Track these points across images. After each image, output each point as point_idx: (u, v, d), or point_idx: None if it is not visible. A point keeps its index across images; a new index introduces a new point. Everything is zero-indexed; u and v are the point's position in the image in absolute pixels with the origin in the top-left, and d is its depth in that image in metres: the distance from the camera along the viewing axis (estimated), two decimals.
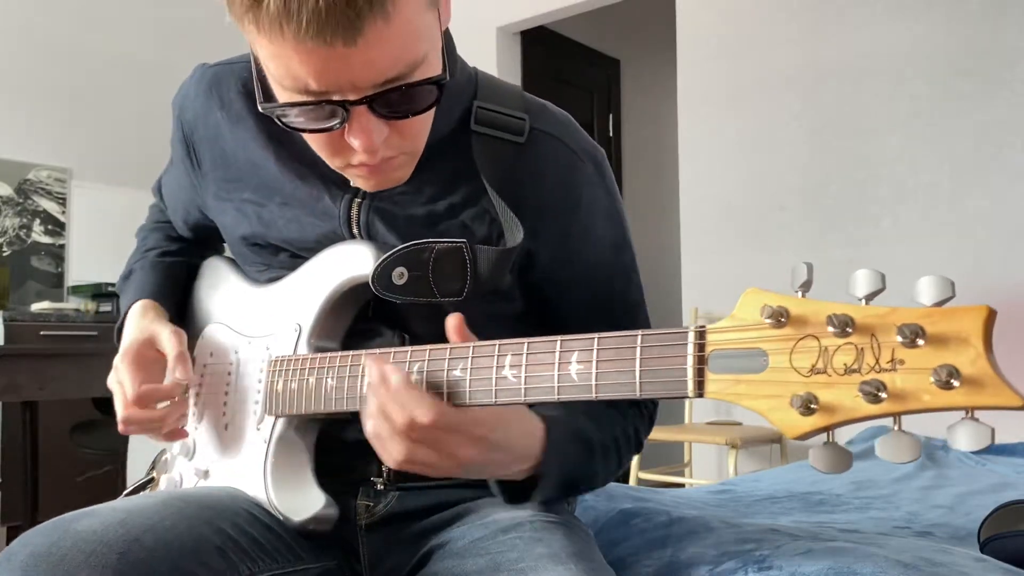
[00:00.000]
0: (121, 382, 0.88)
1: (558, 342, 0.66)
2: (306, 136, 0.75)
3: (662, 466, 3.58)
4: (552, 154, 0.87)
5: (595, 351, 0.64)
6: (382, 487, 0.87)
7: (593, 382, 0.63)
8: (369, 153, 0.73)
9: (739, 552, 0.88)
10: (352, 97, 0.68)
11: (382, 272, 0.79)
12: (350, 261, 0.84)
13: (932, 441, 2.20)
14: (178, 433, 0.90)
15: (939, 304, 0.49)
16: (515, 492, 0.80)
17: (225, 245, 1.11)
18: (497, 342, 0.69)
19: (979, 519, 1.12)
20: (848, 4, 3.13)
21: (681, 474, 3.42)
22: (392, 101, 0.70)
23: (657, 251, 4.40)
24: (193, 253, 1.08)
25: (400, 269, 0.79)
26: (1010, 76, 2.81)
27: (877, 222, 3.02)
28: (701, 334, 0.58)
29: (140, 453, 1.08)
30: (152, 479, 0.99)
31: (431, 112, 0.76)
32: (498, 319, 0.73)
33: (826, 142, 3.16)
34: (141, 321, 0.94)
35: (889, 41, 3.03)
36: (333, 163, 0.77)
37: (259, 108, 0.73)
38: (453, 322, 0.71)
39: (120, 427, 0.87)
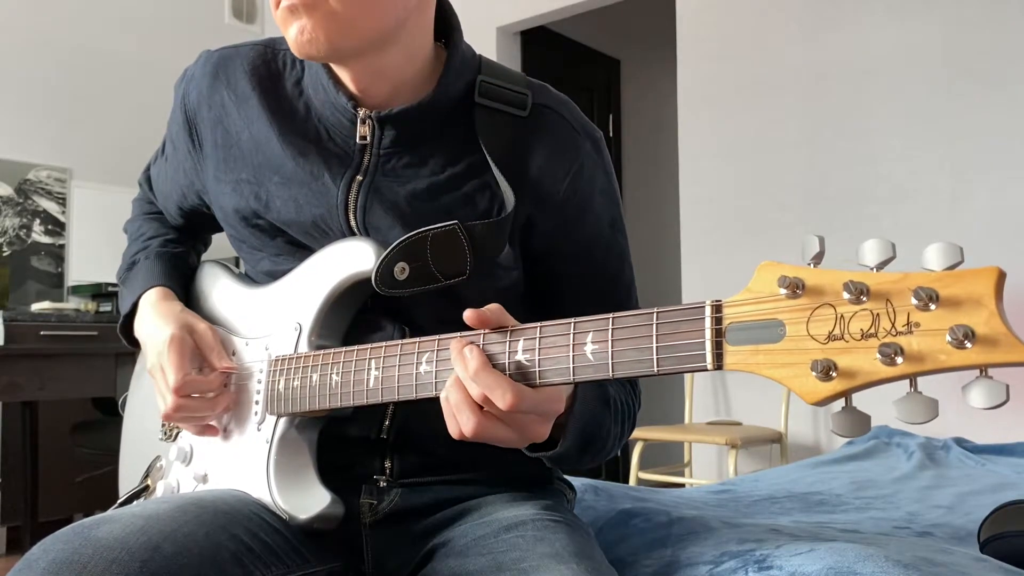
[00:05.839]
0: (163, 368, 0.88)
1: (572, 324, 0.66)
2: None
3: (662, 466, 3.58)
4: (553, 127, 0.89)
5: (610, 331, 0.64)
6: (385, 484, 0.87)
7: (610, 361, 0.64)
8: None
9: (739, 552, 0.88)
10: None
11: (383, 271, 0.80)
12: (351, 258, 0.84)
13: (932, 441, 2.20)
14: (211, 428, 0.90)
15: (949, 269, 0.51)
16: (536, 444, 0.77)
17: (219, 237, 1.11)
18: (509, 327, 0.70)
19: (979, 519, 1.12)
20: (848, 4, 3.13)
21: (681, 474, 3.42)
22: None
23: (657, 251, 4.39)
24: (189, 244, 1.08)
25: (401, 264, 0.80)
26: (1010, 76, 2.81)
27: (877, 222, 3.02)
28: (718, 308, 0.59)
29: (128, 458, 1.07)
30: (147, 487, 0.98)
31: None
32: (505, 302, 0.74)
33: (826, 142, 3.16)
34: (167, 306, 0.94)
35: (889, 41, 3.04)
36: (276, 12, 0.79)
37: None
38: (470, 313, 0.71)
39: (164, 416, 0.87)
